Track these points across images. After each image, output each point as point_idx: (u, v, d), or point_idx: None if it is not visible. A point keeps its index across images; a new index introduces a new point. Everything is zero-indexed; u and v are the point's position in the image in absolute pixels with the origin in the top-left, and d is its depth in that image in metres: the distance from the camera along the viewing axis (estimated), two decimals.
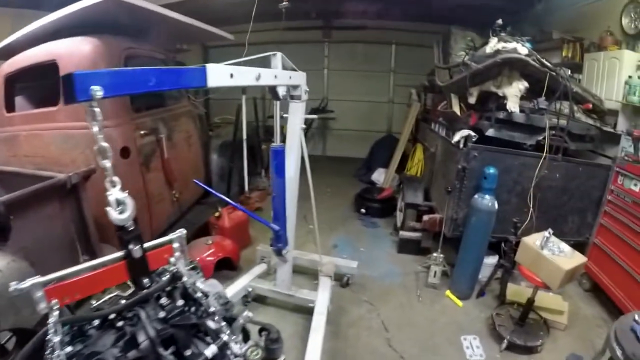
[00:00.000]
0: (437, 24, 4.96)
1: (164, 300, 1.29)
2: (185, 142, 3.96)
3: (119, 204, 1.16)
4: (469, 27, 4.52)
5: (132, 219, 1.19)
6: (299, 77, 2.63)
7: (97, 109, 1.04)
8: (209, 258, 3.50)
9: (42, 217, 2.39)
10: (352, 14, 6.74)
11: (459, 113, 3.85)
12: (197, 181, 3.21)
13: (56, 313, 1.12)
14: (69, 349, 1.07)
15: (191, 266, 1.58)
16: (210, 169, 4.64)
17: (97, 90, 1.01)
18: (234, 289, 3.09)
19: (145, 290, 1.28)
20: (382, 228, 4.70)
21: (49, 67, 2.92)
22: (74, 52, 2.93)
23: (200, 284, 1.41)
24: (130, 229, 1.22)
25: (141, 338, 1.11)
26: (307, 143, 8.20)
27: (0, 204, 2.01)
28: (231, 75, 1.71)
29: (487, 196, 3.06)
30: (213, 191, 3.06)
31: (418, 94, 5.71)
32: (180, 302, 1.30)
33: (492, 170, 3.02)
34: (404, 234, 4.00)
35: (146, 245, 1.32)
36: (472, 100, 3.58)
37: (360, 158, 7.23)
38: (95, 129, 1.07)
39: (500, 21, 3.53)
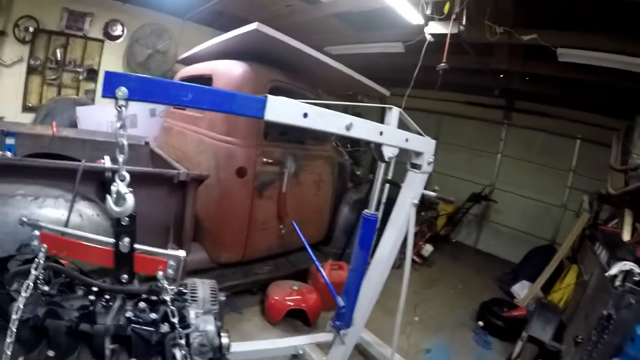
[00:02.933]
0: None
1: (142, 306, 1.32)
2: (314, 184, 4.08)
3: (120, 198, 1.20)
4: None
5: (127, 214, 1.24)
6: (423, 144, 2.42)
7: (123, 109, 1.09)
8: (285, 302, 3.50)
9: (149, 198, 2.69)
10: (537, 96, 6.06)
11: (628, 236, 2.84)
12: (294, 222, 3.22)
13: (42, 254, 1.23)
14: (45, 287, 1.21)
15: (179, 290, 1.53)
16: (336, 219, 4.63)
17: (121, 91, 1.07)
18: (286, 343, 3.01)
19: (119, 286, 1.35)
20: (493, 352, 3.82)
21: (208, 80, 3.52)
22: (226, 71, 3.46)
23: (191, 313, 1.41)
24: (124, 224, 1.28)
25: (99, 320, 1.21)
26: (460, 230, 7.67)
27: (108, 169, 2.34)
28: (305, 115, 1.62)
29: None
30: (301, 235, 3.03)
31: (591, 202, 4.60)
32: (152, 315, 1.31)
33: None
34: None
35: (139, 247, 1.36)
36: None
37: (511, 262, 6.26)
38: (119, 127, 1.10)
39: None
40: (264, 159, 3.46)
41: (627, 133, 3.63)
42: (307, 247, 2.88)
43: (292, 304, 3.50)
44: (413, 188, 2.46)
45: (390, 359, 2.91)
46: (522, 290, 4.88)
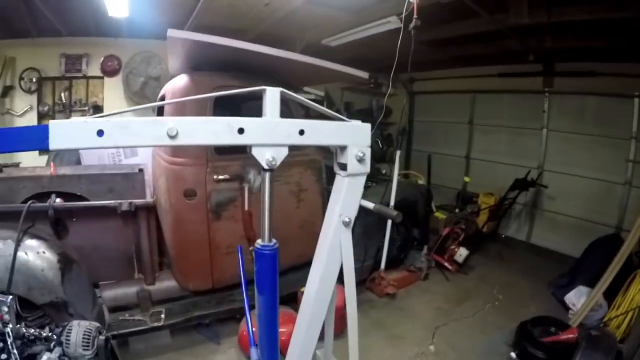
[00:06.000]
0: None
1: None
2: (293, 196, 3.48)
3: None
4: None
5: None
6: (344, 133, 1.70)
7: None
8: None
9: (103, 229, 2.86)
10: (579, 53, 4.77)
11: None
12: (239, 247, 2.66)
13: None
14: None
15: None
16: None
17: None
18: None
19: None
20: None
21: (163, 99, 3.35)
22: (173, 87, 3.16)
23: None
24: None
25: None
26: (509, 223, 6.59)
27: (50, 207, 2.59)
28: (100, 133, 1.19)
29: None
30: (241, 267, 2.47)
31: None
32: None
33: None
34: None
35: None
36: None
37: (572, 257, 4.95)
38: None
39: None
40: (216, 176, 2.98)
41: None
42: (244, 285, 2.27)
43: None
44: (340, 199, 1.76)
45: None
46: (578, 299, 3.68)
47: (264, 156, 1.51)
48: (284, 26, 4.98)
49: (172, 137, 1.30)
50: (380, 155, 6.14)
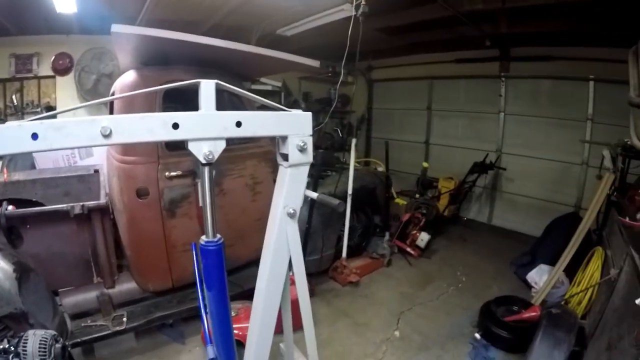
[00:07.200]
0: None
1: None
2: (248, 189, 3.43)
3: None
4: None
5: None
6: (283, 122, 1.65)
7: None
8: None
9: (56, 234, 2.75)
10: (534, 37, 4.87)
11: None
12: (193, 244, 2.60)
13: None
14: None
15: None
16: None
17: None
18: None
19: None
20: None
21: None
22: (121, 84, 3.03)
23: None
24: None
25: None
26: (470, 206, 6.68)
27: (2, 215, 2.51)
28: (34, 136, 1.16)
29: None
30: (196, 264, 2.40)
31: (614, 157, 3.45)
32: None
33: None
34: None
35: None
36: None
37: (533, 236, 5.13)
38: None
39: None
40: (168, 173, 2.90)
41: None
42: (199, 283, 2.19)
43: None
44: (284, 190, 1.72)
45: None
46: (540, 277, 3.78)
47: (201, 150, 1.45)
48: (238, 16, 4.85)
49: (105, 136, 1.25)
50: (339, 144, 6.15)
